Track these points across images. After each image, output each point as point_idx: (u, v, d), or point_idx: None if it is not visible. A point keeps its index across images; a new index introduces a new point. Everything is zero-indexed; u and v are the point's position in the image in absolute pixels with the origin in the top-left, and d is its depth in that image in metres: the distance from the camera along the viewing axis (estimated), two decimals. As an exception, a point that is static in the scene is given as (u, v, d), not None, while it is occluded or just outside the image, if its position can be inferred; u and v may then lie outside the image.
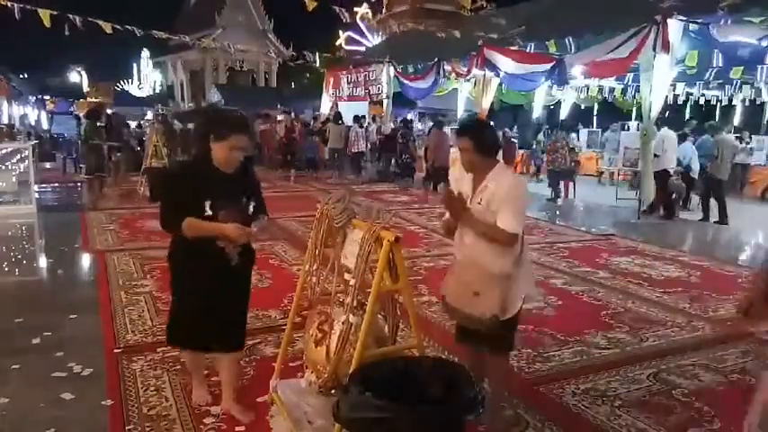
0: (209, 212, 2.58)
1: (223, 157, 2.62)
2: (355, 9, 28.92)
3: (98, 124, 10.00)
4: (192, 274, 2.71)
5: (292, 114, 17.95)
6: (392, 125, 15.72)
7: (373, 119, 18.45)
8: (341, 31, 28.65)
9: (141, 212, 8.71)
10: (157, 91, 39.65)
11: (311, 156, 15.91)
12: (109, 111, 15.51)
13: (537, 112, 16.34)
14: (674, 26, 8.15)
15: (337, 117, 14.75)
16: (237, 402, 2.89)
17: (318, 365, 2.67)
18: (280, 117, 18.02)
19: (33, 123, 24.65)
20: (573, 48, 10.14)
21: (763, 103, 15.49)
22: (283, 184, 12.90)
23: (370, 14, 29.55)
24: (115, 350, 3.66)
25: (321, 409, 2.62)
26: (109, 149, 10.45)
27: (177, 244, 2.73)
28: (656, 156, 9.23)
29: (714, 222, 9.06)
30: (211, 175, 2.63)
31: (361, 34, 28.59)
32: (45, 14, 11.28)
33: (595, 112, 21.00)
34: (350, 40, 28.94)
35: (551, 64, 10.00)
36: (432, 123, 14.32)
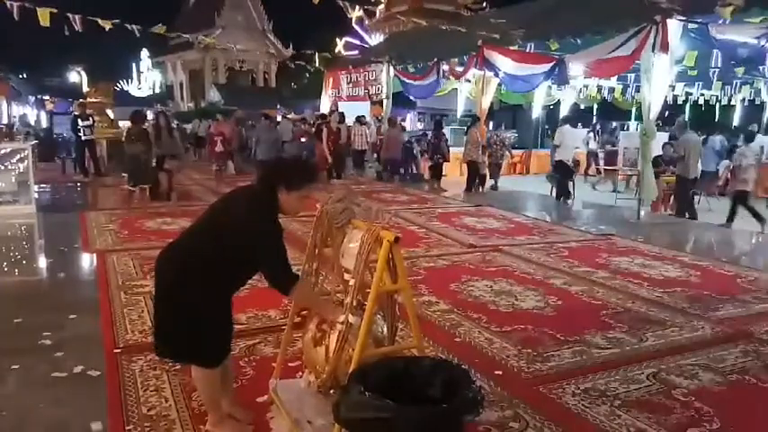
0: None
1: (296, 208, 2.55)
2: (349, 15, 28.92)
3: (143, 127, 9.02)
4: (229, 278, 2.56)
5: (335, 116, 14.81)
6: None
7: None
8: (338, 39, 28.60)
9: (141, 212, 8.71)
10: (157, 91, 39.69)
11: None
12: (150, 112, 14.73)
13: (536, 112, 16.34)
14: (674, 26, 8.16)
15: (342, 117, 15.06)
16: (237, 403, 2.88)
17: (317, 365, 2.68)
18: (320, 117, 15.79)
19: (33, 123, 24.63)
20: (573, 47, 10.13)
21: (762, 103, 15.50)
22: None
23: (364, 15, 29.47)
24: (115, 350, 3.66)
25: (321, 409, 2.62)
26: (159, 156, 9.37)
27: (204, 251, 2.45)
28: (556, 146, 11.27)
29: (670, 215, 9.80)
30: (279, 225, 2.53)
31: (360, 38, 28.59)
32: (44, 14, 11.25)
33: (595, 112, 21.01)
34: (348, 46, 28.93)
35: (551, 64, 10.01)
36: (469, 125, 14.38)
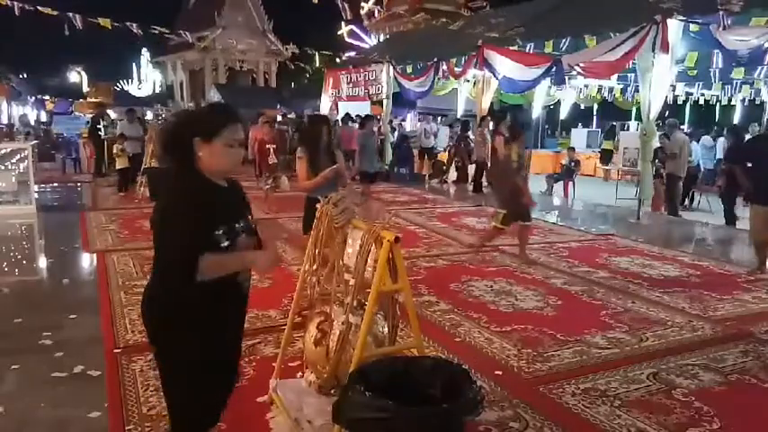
0: (226, 243, 1.98)
1: (224, 159, 2.01)
2: (362, 3, 29.01)
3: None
4: (214, 331, 2.05)
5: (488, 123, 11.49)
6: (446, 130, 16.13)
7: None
8: (343, 24, 28.65)
9: (141, 212, 8.70)
10: (157, 91, 39.67)
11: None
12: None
13: (536, 112, 16.32)
14: (674, 26, 8.15)
15: (349, 118, 15.47)
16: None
17: (318, 365, 2.68)
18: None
19: (33, 123, 24.63)
20: (572, 48, 10.13)
21: (762, 103, 15.50)
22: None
23: (375, 10, 29.56)
24: (115, 350, 3.66)
25: (321, 409, 2.62)
26: None
27: (182, 298, 1.95)
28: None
29: (667, 213, 9.79)
30: (210, 191, 2.01)
31: (364, 31, 28.68)
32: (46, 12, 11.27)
33: (595, 112, 20.99)
34: (352, 34, 28.95)
35: (548, 64, 10.00)
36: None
